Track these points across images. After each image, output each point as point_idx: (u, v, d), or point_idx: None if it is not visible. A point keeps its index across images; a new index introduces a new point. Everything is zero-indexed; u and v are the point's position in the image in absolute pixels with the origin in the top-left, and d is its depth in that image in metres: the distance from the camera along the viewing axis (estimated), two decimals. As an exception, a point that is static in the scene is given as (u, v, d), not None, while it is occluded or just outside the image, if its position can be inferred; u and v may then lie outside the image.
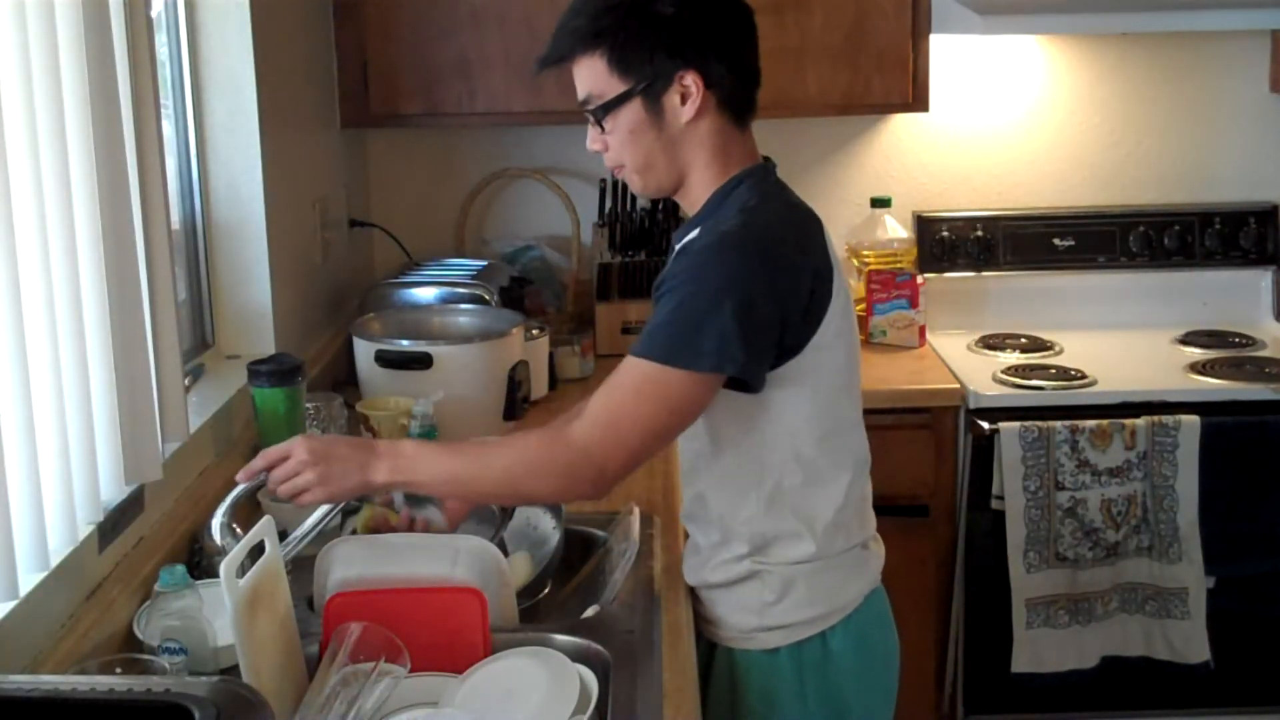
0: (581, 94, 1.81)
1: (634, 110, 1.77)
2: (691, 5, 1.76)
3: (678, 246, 1.82)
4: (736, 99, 1.80)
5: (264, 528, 1.61)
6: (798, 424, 1.80)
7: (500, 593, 1.77)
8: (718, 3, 1.79)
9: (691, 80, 1.75)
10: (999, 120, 3.48)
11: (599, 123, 1.80)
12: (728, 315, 1.66)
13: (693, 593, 1.93)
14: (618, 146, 1.81)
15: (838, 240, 3.35)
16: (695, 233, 1.80)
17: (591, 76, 1.78)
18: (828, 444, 1.83)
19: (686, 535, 1.98)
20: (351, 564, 1.76)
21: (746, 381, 1.73)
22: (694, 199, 1.83)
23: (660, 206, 3.27)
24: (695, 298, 1.69)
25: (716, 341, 1.67)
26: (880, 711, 1.95)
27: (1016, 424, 2.88)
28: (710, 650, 1.90)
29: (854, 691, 1.88)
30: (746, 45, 1.82)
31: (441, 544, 1.79)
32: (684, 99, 1.76)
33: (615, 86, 1.76)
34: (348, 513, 2.12)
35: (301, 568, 1.85)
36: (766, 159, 1.87)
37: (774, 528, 1.83)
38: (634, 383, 1.70)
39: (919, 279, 3.30)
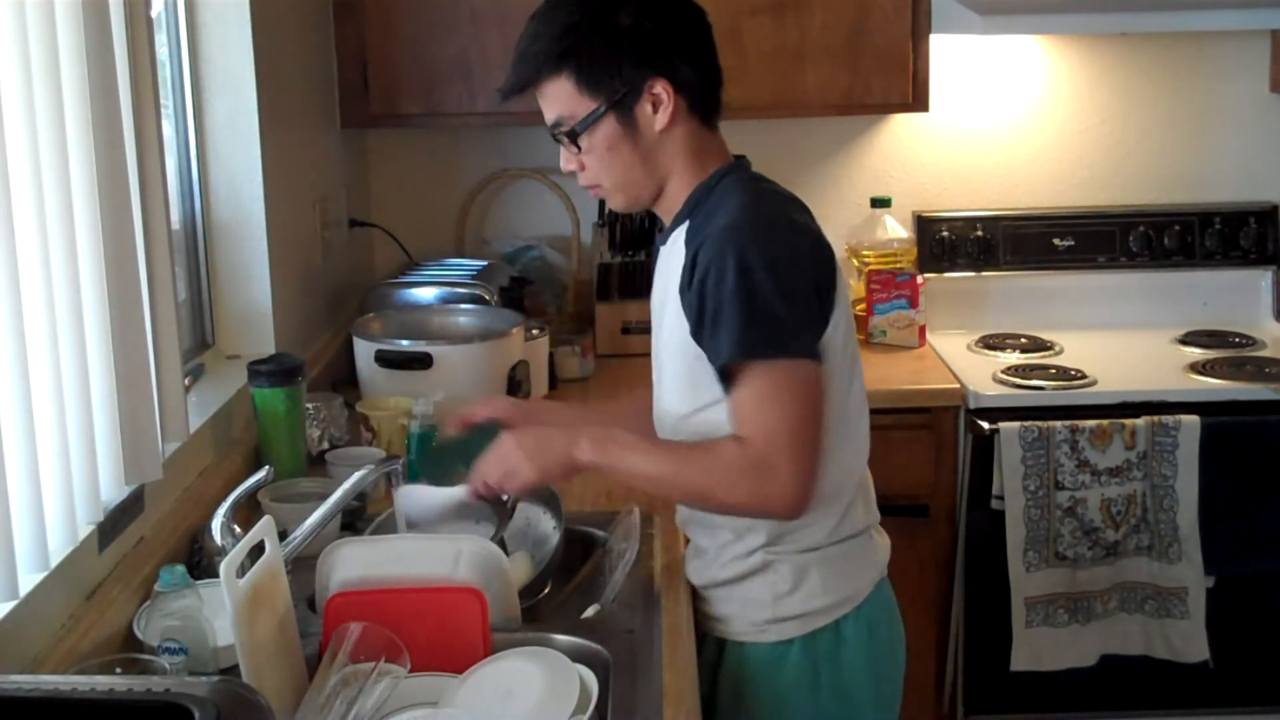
0: (550, 118, 1.80)
1: (608, 126, 1.77)
2: (650, 12, 1.76)
3: (680, 250, 1.79)
4: (705, 100, 1.81)
5: (264, 528, 1.61)
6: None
7: (503, 593, 1.77)
8: (675, 6, 1.79)
9: (661, 88, 1.76)
10: (999, 120, 3.48)
11: (574, 143, 1.79)
12: (777, 300, 1.67)
13: (695, 592, 1.92)
14: (595, 165, 1.81)
15: (838, 240, 3.39)
16: (683, 230, 1.79)
17: (560, 99, 1.78)
18: (842, 426, 1.82)
19: (686, 540, 1.98)
20: (354, 565, 1.76)
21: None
22: (672, 204, 1.84)
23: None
24: (741, 298, 1.67)
25: (787, 331, 1.69)
26: (889, 701, 1.95)
27: (1016, 424, 2.88)
28: (720, 647, 1.90)
29: (866, 681, 1.88)
30: (707, 45, 1.82)
31: (443, 545, 1.79)
32: (655, 107, 1.77)
33: (586, 105, 1.76)
34: (346, 523, 2.13)
35: (301, 568, 1.85)
36: (739, 158, 1.87)
37: None
38: (759, 391, 1.70)
39: (919, 279, 3.30)
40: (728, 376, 1.73)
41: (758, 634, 1.87)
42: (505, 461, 1.80)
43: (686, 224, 1.80)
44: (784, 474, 1.69)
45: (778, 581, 1.84)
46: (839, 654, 1.86)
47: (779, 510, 1.75)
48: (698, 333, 1.74)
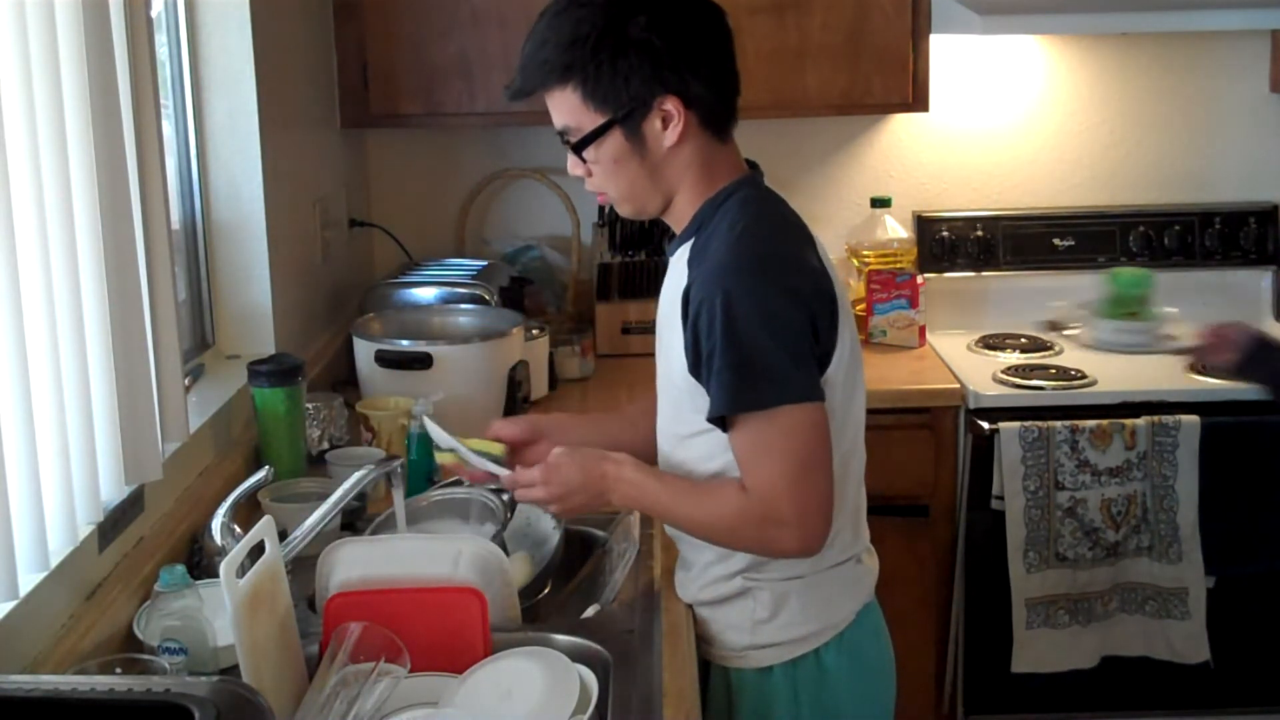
0: (558, 124, 1.76)
1: (614, 141, 1.73)
2: (664, 26, 1.69)
3: (683, 269, 1.77)
4: (717, 114, 1.76)
5: (264, 528, 1.61)
6: None
7: (502, 593, 1.77)
8: (690, 16, 1.73)
9: (672, 105, 1.70)
10: (999, 120, 3.48)
11: (579, 154, 1.76)
12: (768, 347, 1.65)
13: (689, 609, 1.91)
14: (601, 176, 1.77)
15: (838, 240, 3.40)
16: (687, 247, 1.76)
17: (566, 109, 1.73)
18: (838, 461, 1.79)
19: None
20: (353, 565, 1.76)
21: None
22: (681, 216, 1.80)
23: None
24: (731, 348, 1.65)
25: (781, 377, 1.66)
26: None
27: (1016, 424, 2.88)
28: (706, 668, 1.88)
29: (850, 709, 1.85)
30: (724, 55, 1.76)
31: (443, 545, 1.79)
32: (665, 124, 1.72)
33: (592, 119, 1.72)
34: (346, 523, 2.13)
35: (301, 568, 1.85)
36: (752, 164, 1.83)
37: None
38: (755, 441, 1.68)
39: (919, 279, 3.30)
40: (724, 424, 1.70)
41: (739, 659, 1.85)
42: (545, 488, 1.80)
43: (691, 241, 1.77)
44: (790, 523, 1.68)
45: (757, 608, 1.82)
46: (821, 681, 1.83)
47: (791, 555, 1.75)
48: (695, 371, 1.72)
